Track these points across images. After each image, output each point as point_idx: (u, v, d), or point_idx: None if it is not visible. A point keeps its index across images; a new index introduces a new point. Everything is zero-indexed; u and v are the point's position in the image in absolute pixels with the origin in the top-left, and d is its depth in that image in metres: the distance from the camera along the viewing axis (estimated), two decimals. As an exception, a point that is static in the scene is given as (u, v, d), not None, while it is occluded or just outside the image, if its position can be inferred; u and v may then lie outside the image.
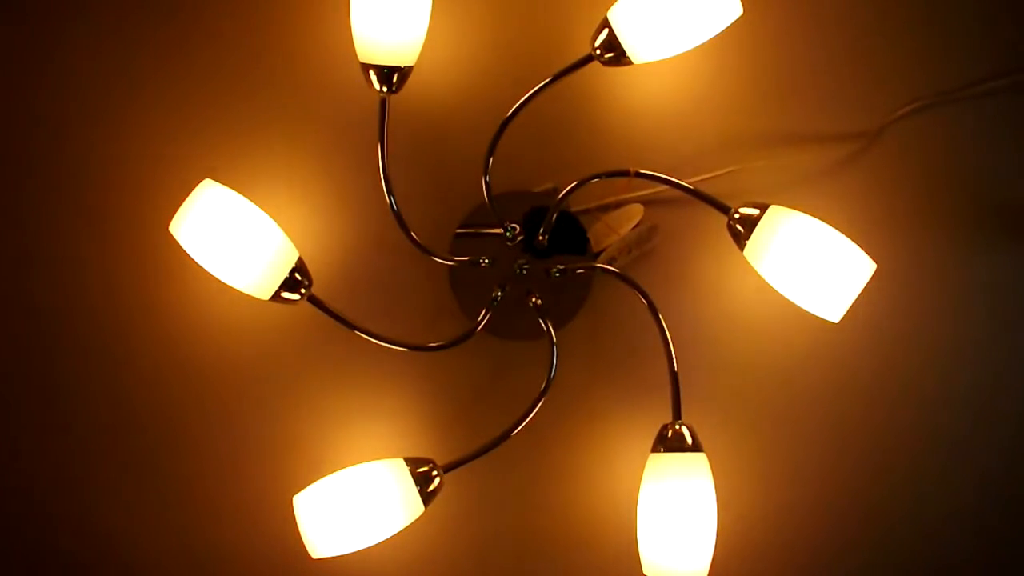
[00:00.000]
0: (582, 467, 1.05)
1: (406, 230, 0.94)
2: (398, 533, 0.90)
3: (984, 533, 1.06)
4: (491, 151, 0.93)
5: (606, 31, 0.87)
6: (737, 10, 0.85)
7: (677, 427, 0.90)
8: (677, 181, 0.91)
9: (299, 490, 0.89)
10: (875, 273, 0.85)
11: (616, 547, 1.04)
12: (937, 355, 1.05)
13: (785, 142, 1.02)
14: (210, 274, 0.88)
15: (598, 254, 0.99)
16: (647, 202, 1.01)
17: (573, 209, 1.01)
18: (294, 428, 1.03)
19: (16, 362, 1.02)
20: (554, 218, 0.97)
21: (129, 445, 1.03)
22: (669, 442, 0.89)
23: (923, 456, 1.05)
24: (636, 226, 0.99)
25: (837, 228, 0.86)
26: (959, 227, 1.04)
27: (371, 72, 0.89)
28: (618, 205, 1.01)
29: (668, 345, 0.92)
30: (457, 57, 1.02)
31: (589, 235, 1.00)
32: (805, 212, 0.86)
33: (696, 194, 0.90)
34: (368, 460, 0.91)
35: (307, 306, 0.91)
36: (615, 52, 0.87)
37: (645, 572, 0.88)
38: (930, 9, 1.03)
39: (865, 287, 0.85)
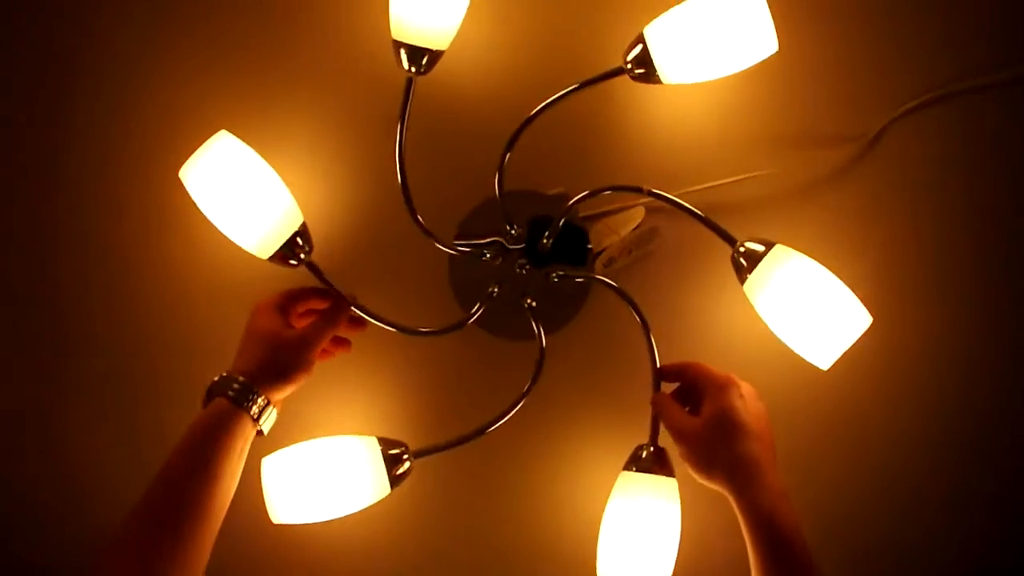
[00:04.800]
0: (552, 475, 1.05)
1: (413, 212, 0.94)
2: (359, 513, 0.89)
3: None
4: (509, 147, 0.93)
5: (640, 47, 0.87)
6: (773, 47, 0.85)
7: (652, 449, 0.89)
8: (688, 206, 0.90)
9: (268, 453, 0.89)
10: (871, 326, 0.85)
11: (573, 561, 1.04)
12: (948, 371, 1.05)
13: (791, 146, 1.02)
14: (213, 227, 0.88)
15: (599, 254, 0.99)
16: (651, 208, 1.01)
17: (580, 214, 1.01)
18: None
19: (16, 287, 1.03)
20: (560, 224, 0.97)
21: (111, 382, 1.04)
22: (642, 462, 0.89)
23: (920, 493, 1.05)
24: (637, 228, 0.99)
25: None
26: (959, 229, 1.04)
27: (402, 50, 0.88)
28: (622, 209, 1.01)
29: (655, 365, 0.92)
30: (489, 50, 1.02)
31: (590, 234, 1.00)
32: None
33: (705, 222, 0.90)
34: (342, 435, 0.91)
35: (304, 272, 0.91)
36: (646, 69, 0.87)
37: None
38: (927, 9, 1.03)
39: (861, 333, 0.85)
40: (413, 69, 0.89)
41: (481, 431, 0.94)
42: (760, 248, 0.87)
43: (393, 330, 0.95)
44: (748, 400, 0.85)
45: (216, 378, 0.86)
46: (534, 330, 0.98)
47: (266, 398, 0.85)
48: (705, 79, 0.88)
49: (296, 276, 0.91)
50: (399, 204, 0.93)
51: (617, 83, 0.89)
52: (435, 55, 0.89)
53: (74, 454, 1.05)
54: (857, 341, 0.85)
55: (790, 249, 0.87)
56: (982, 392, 1.05)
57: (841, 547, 1.06)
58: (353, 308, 0.93)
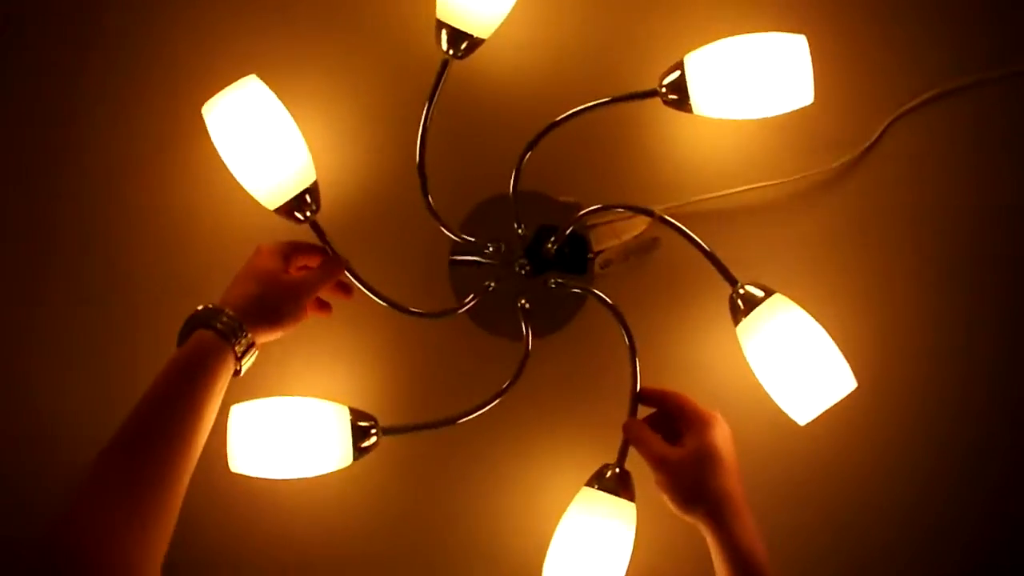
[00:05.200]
0: (516, 477, 1.05)
1: (425, 192, 0.94)
2: (318, 478, 0.89)
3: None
4: (530, 147, 0.93)
5: (677, 73, 0.87)
6: (808, 98, 0.85)
7: (618, 471, 0.89)
8: (696, 239, 0.90)
9: (236, 403, 0.89)
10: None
11: (518, 566, 1.03)
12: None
13: (792, 150, 1.02)
14: (224, 171, 0.88)
15: (598, 254, 1.00)
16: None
17: (588, 222, 1.01)
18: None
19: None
20: (567, 233, 0.97)
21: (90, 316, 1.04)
22: (605, 482, 0.88)
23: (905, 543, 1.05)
24: (639, 235, 0.99)
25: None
26: (960, 229, 1.04)
27: (444, 31, 0.89)
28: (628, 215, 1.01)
29: (635, 388, 0.92)
30: (527, 48, 1.02)
31: (592, 235, 1.00)
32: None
33: (710, 257, 0.90)
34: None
35: (306, 230, 0.91)
36: (679, 96, 0.87)
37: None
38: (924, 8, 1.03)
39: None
40: (451, 52, 0.89)
41: (451, 420, 0.94)
42: (759, 294, 0.87)
43: (384, 305, 0.95)
44: (728, 440, 0.85)
45: (200, 307, 0.83)
46: (523, 331, 0.98)
47: (252, 338, 0.83)
48: (734, 117, 0.88)
49: (297, 234, 0.92)
50: (413, 182, 0.93)
51: (645, 101, 0.89)
52: (475, 42, 0.89)
53: (43, 390, 1.05)
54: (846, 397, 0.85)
55: (788, 300, 0.87)
56: (984, 397, 1.05)
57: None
58: (346, 272, 0.93)
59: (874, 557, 1.05)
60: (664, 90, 0.88)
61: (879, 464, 1.05)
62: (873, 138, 1.02)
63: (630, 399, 0.91)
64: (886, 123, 1.02)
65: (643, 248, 0.99)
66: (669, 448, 0.85)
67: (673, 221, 0.91)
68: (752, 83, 0.86)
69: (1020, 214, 1.03)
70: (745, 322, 0.87)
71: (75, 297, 1.04)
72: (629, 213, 1.00)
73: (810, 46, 0.84)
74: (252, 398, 0.89)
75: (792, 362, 0.85)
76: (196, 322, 0.82)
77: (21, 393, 1.04)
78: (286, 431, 0.88)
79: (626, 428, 0.90)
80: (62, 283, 1.04)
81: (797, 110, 0.88)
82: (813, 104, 0.89)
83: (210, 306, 0.83)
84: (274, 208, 0.89)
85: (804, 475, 1.04)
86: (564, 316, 1.03)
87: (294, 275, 0.90)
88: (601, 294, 0.95)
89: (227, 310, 0.82)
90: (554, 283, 1.00)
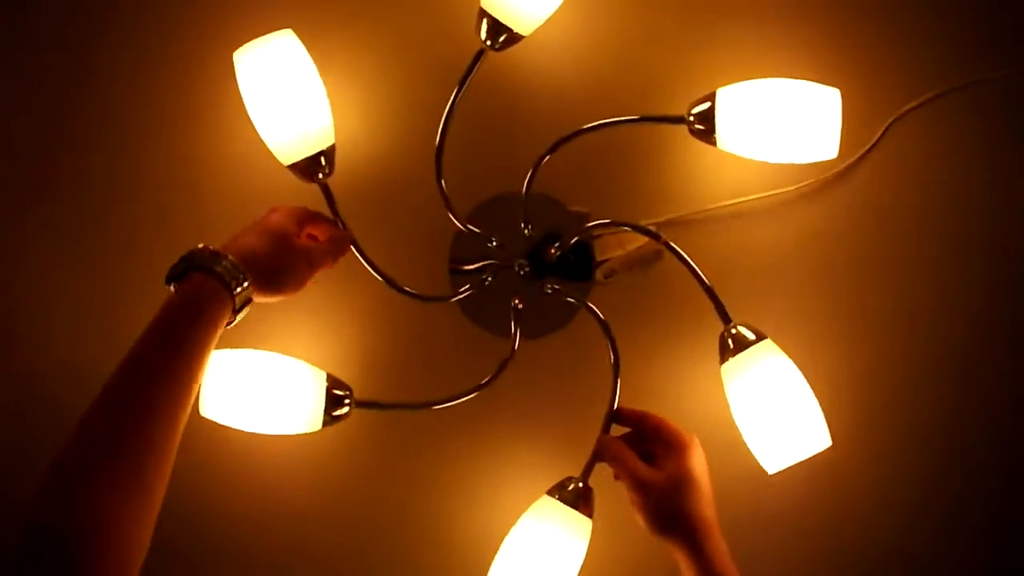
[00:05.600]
0: (479, 474, 1.05)
1: (439, 176, 0.94)
2: (284, 438, 0.89)
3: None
4: (551, 150, 0.93)
5: (708, 104, 0.87)
6: (833, 153, 0.85)
7: (580, 485, 0.89)
8: (698, 271, 0.90)
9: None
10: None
11: (465, 561, 1.03)
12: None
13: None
14: (246, 120, 0.88)
15: (601, 263, 1.00)
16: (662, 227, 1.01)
17: (595, 232, 1.00)
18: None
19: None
20: (572, 242, 0.97)
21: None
22: (566, 493, 0.88)
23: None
24: (643, 247, 0.99)
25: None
26: (961, 230, 1.04)
27: (485, 20, 0.89)
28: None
29: (612, 405, 0.92)
30: (565, 51, 1.02)
31: (596, 244, 1.00)
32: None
33: (708, 292, 0.90)
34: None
35: (314, 193, 0.91)
36: (705, 127, 0.87)
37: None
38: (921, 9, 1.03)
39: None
40: (489, 42, 0.89)
41: (427, 405, 0.95)
42: (750, 337, 0.87)
43: (379, 279, 0.95)
44: (704, 464, 0.85)
45: (201, 246, 0.78)
46: (511, 330, 0.97)
47: (251, 291, 0.79)
48: (756, 158, 0.87)
49: (305, 195, 0.91)
50: (428, 165, 0.93)
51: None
52: (515, 37, 0.89)
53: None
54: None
55: (776, 348, 0.87)
56: (985, 400, 1.05)
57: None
58: (351, 245, 0.93)
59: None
60: (692, 119, 0.88)
61: (855, 511, 1.05)
62: (874, 139, 1.02)
63: (605, 415, 0.91)
64: (886, 124, 1.02)
65: (646, 260, 0.99)
66: (648, 469, 0.85)
67: (677, 249, 0.91)
68: (780, 127, 0.86)
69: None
70: (731, 362, 0.87)
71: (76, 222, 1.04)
72: (632, 226, 0.99)
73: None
74: (231, 348, 0.89)
75: (770, 411, 0.85)
76: (194, 262, 0.76)
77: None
78: (262, 384, 0.88)
79: (603, 445, 0.89)
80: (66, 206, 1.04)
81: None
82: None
83: (211, 248, 0.78)
84: (289, 164, 0.89)
85: (773, 522, 1.04)
86: (555, 322, 1.02)
87: (305, 242, 0.88)
88: (594, 307, 0.95)
89: (230, 256, 0.77)
90: (550, 288, 1.00)
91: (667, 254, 0.98)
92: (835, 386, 0.95)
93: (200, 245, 0.78)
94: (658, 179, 1.03)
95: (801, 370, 0.87)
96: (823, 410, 0.86)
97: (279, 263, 0.83)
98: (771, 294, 1.03)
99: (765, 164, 0.90)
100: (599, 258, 1.00)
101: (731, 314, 0.89)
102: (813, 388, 0.87)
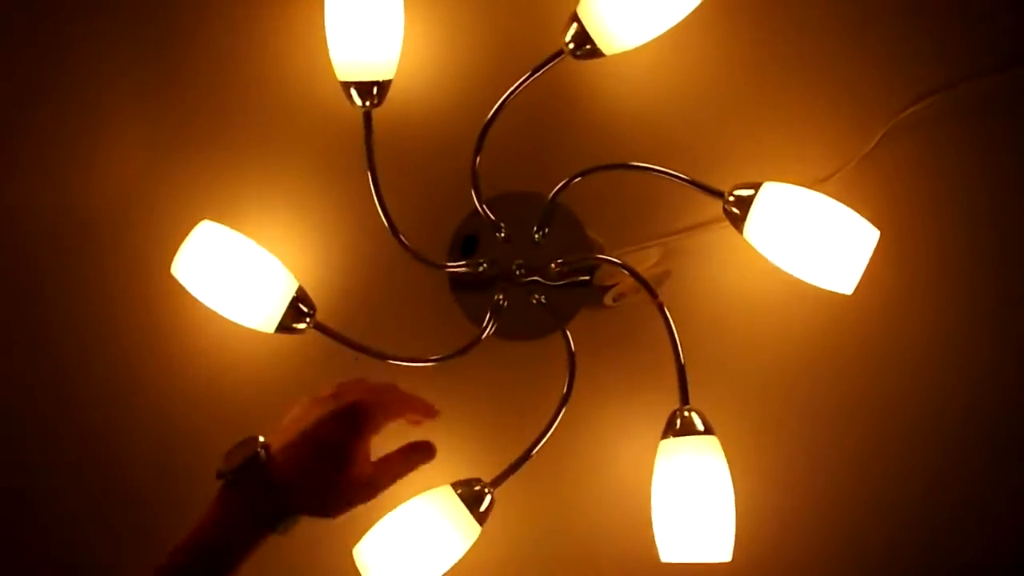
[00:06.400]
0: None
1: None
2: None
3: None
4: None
5: (750, 191, 0.85)
6: (848, 290, 0.84)
7: (484, 490, 0.89)
8: (677, 343, 0.89)
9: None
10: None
11: (631, 541, 1.02)
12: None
13: (792, 157, 1.01)
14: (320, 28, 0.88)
15: (609, 288, 0.99)
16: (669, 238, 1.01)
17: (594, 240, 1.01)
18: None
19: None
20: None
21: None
22: (467, 491, 0.89)
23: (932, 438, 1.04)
24: (651, 267, 0.99)
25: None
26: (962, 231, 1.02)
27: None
28: (640, 248, 1.01)
29: (548, 432, 0.93)
30: (436, 65, 1.01)
31: (602, 267, 0.99)
32: None
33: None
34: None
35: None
36: (740, 213, 0.86)
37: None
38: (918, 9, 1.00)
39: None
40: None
41: (380, 356, 0.95)
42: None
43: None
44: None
45: (248, 458, 0.76)
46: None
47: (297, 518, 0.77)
48: (771, 259, 0.86)
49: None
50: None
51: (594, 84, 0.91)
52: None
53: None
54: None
55: (718, 448, 0.85)
56: (986, 397, 1.03)
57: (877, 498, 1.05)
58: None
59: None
60: (732, 199, 0.87)
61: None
62: (871, 145, 0.99)
63: (533, 441, 0.92)
64: (883, 130, 0.99)
65: (654, 282, 0.95)
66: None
67: (667, 313, 0.89)
68: (809, 245, 0.83)
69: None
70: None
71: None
72: (640, 245, 1.00)
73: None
74: (227, 224, 0.91)
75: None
76: (238, 486, 0.76)
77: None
78: (237, 268, 0.88)
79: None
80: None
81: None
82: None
83: (259, 470, 0.76)
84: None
85: (857, 356, 1.03)
86: (529, 332, 1.02)
87: (369, 470, 0.80)
88: (568, 336, 0.95)
89: (276, 487, 0.75)
90: (535, 300, 0.99)
91: (673, 276, 1.00)
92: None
93: (249, 455, 0.77)
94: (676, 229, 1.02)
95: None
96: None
97: (330, 497, 0.79)
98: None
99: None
100: (608, 283, 0.99)
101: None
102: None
